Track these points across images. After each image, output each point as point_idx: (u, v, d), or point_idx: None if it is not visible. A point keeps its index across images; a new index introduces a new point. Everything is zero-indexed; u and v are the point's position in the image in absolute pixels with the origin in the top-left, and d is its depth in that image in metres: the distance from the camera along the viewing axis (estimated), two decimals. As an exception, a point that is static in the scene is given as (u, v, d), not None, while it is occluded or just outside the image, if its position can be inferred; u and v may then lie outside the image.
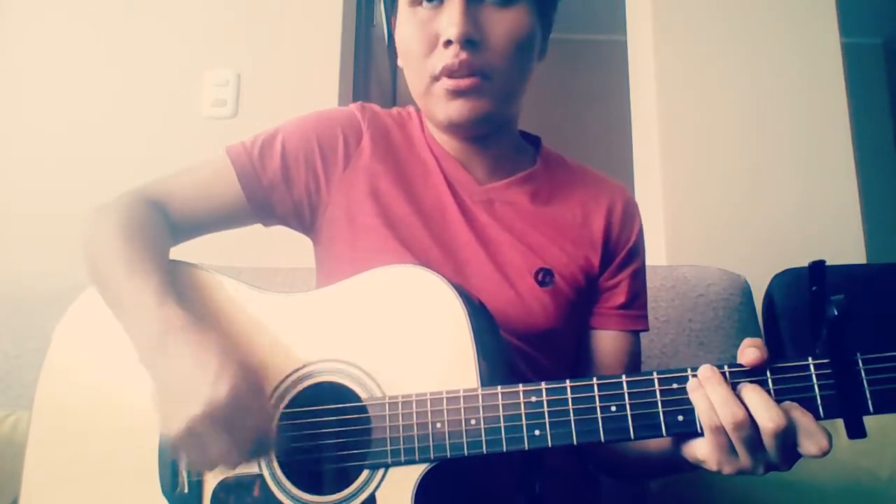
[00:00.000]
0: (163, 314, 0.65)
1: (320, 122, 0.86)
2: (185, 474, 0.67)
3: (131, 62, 1.64)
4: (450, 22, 0.74)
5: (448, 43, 0.74)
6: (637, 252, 0.88)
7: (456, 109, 0.77)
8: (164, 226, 0.79)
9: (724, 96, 1.65)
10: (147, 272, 0.69)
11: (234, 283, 0.74)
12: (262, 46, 1.65)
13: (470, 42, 0.74)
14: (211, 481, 0.66)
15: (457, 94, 0.76)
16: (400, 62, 0.84)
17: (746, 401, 0.55)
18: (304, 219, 0.85)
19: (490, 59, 0.75)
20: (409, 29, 0.78)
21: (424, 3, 0.76)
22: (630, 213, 0.89)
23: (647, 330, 0.88)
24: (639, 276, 0.88)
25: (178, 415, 0.59)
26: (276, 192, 0.83)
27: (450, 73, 0.75)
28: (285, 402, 0.67)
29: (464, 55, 0.74)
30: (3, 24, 1.65)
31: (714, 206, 1.59)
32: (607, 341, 0.85)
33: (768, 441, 0.55)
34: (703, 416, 0.56)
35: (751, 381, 0.57)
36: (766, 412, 0.54)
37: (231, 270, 0.76)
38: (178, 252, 0.79)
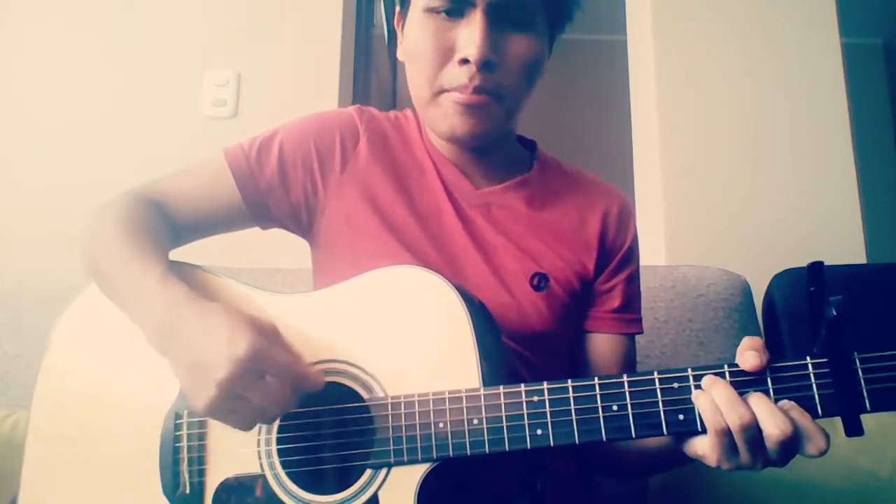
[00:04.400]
0: (166, 292, 0.65)
1: (318, 124, 0.86)
2: (186, 475, 0.67)
3: (131, 62, 1.63)
4: (470, 42, 0.72)
5: (464, 61, 0.73)
6: (632, 256, 0.88)
7: (461, 124, 0.76)
8: (163, 224, 0.79)
9: (724, 96, 1.65)
10: (147, 259, 0.69)
11: (236, 284, 0.74)
12: (262, 46, 1.65)
13: (487, 64, 0.73)
14: (213, 481, 0.67)
15: (465, 108, 0.75)
16: (401, 57, 0.84)
17: (753, 408, 0.56)
18: (302, 221, 0.85)
19: (502, 81, 0.75)
20: (421, 35, 0.76)
21: (443, 14, 0.75)
22: (625, 217, 0.89)
23: (641, 332, 0.88)
24: (634, 280, 0.88)
25: (205, 384, 0.58)
26: (273, 195, 0.83)
27: (461, 90, 0.74)
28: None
29: (478, 78, 0.73)
30: (3, 24, 1.65)
31: (714, 206, 1.59)
32: (602, 344, 0.85)
33: (772, 446, 0.55)
34: (708, 419, 0.56)
35: (750, 380, 0.57)
36: (772, 420, 0.55)
37: (230, 271, 0.76)
38: (177, 253, 0.79)
